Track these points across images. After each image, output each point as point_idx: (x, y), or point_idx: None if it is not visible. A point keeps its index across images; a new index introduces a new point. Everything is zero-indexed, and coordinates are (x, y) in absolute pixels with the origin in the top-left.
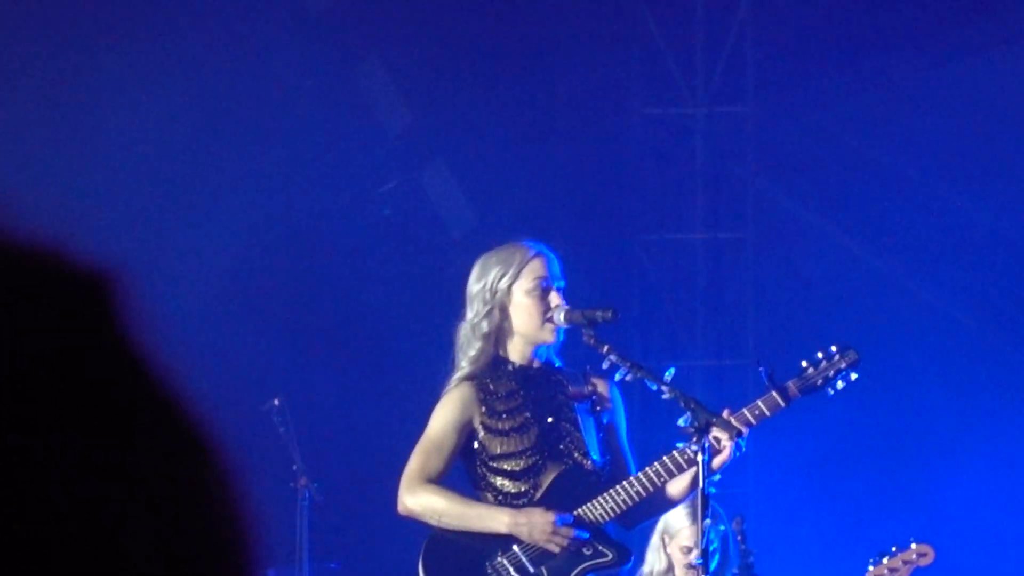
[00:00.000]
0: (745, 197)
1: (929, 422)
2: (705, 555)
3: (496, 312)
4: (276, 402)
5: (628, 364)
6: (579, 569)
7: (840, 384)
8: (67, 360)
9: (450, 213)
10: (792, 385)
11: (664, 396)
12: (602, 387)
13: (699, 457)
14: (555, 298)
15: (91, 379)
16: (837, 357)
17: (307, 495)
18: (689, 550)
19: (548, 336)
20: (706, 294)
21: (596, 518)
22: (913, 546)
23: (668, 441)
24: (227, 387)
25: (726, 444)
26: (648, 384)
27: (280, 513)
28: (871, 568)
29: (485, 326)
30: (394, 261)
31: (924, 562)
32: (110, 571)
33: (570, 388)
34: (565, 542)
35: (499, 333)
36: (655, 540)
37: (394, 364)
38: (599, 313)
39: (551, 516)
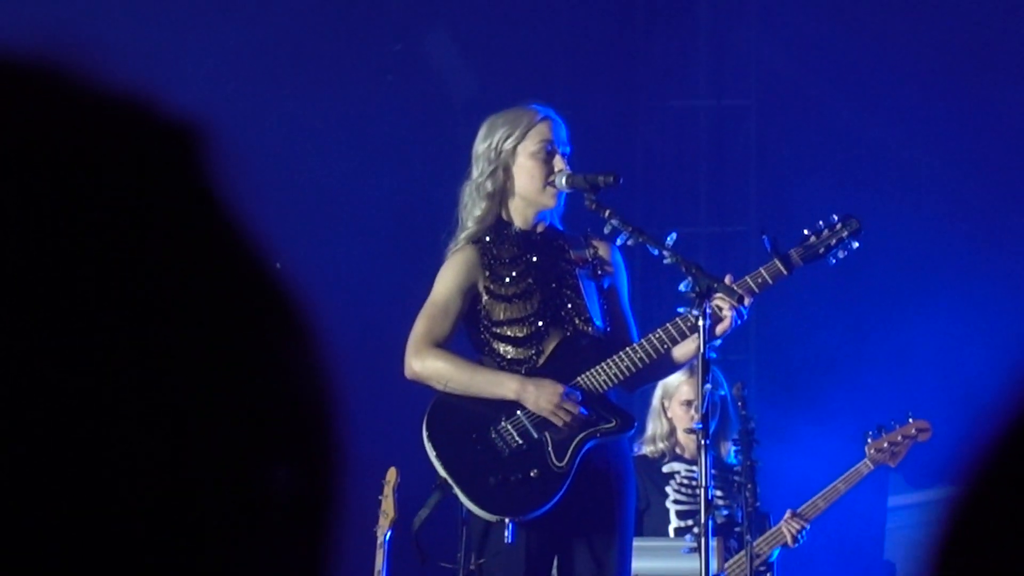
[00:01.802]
0: (749, 64)
1: (936, 287)
2: (705, 419)
3: (500, 172)
4: (277, 267)
5: (630, 229)
6: (582, 435)
7: (842, 253)
8: (155, 214)
9: (453, 78)
10: (794, 253)
11: (666, 261)
12: (604, 250)
13: (700, 322)
14: (559, 162)
15: (177, 236)
16: (840, 226)
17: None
18: (689, 404)
19: (549, 200)
20: (709, 161)
21: (599, 385)
22: (911, 421)
23: (670, 308)
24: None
25: (727, 312)
26: (650, 249)
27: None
28: (870, 441)
29: (489, 186)
30: (396, 126)
31: (923, 438)
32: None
33: (572, 253)
34: (569, 417)
35: (502, 195)
36: (655, 405)
37: (396, 228)
38: (601, 178)
39: (559, 387)
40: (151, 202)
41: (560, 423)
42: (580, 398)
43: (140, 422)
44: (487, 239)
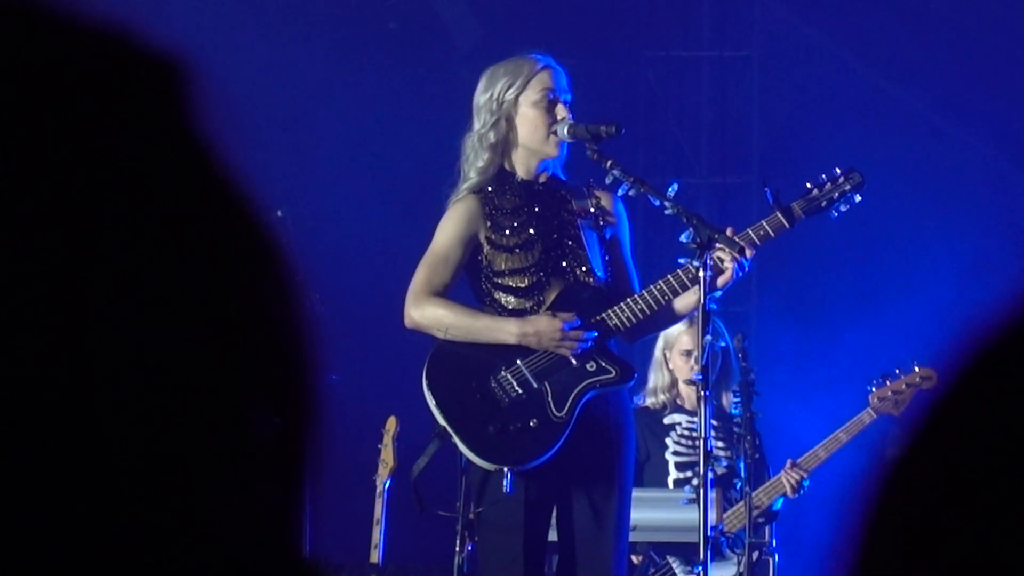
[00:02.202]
0: (752, 14)
1: (939, 235)
2: (705, 371)
3: (503, 123)
4: (279, 213)
5: (631, 179)
6: (583, 385)
7: (844, 207)
8: (136, 151)
9: (456, 26)
10: (796, 206)
11: (667, 212)
12: (606, 200)
13: (701, 273)
14: (561, 111)
15: (159, 175)
16: (842, 179)
17: (308, 306)
18: (688, 354)
19: (552, 149)
20: (711, 111)
21: (600, 334)
22: (917, 369)
23: (671, 259)
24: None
25: (728, 264)
26: (651, 199)
27: None
28: (873, 390)
29: (492, 136)
30: (399, 74)
31: (927, 385)
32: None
33: (574, 203)
34: (575, 345)
35: (505, 145)
36: (657, 356)
37: (398, 176)
38: (603, 128)
39: (557, 322)
40: (128, 138)
41: (568, 353)
42: (580, 324)
43: (115, 364)
44: (489, 189)
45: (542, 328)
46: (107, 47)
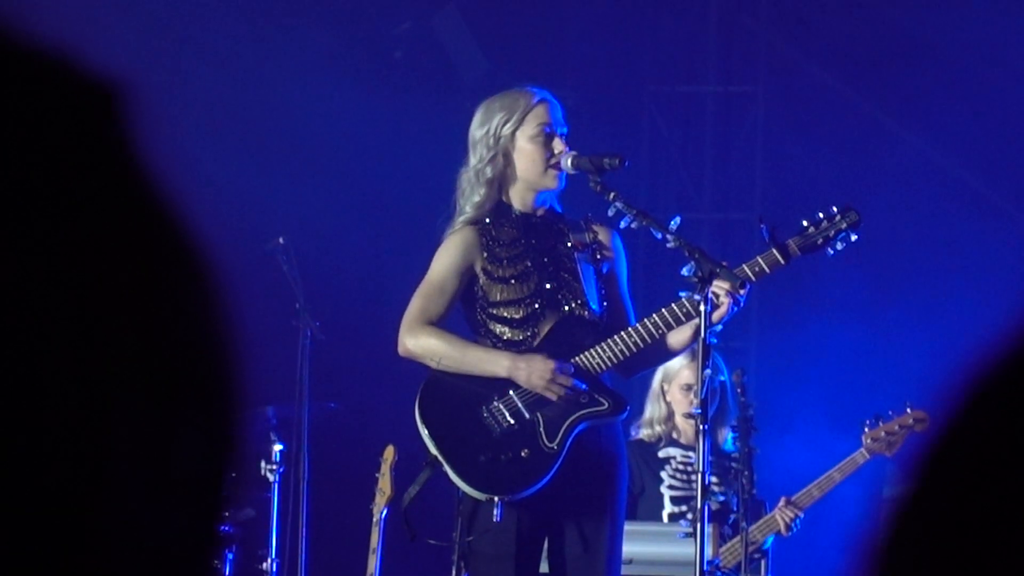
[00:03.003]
0: (757, 51)
1: (937, 276)
2: (704, 405)
3: (499, 158)
4: (280, 241)
5: (634, 212)
6: (574, 417)
7: (840, 245)
8: (70, 172)
9: (461, 57)
10: (792, 243)
11: (669, 245)
12: (603, 235)
13: (702, 307)
14: (558, 144)
15: (93, 196)
16: (838, 217)
17: (308, 334)
18: (689, 388)
19: (551, 182)
20: (714, 147)
21: (593, 367)
22: (909, 411)
23: (671, 293)
24: (231, 225)
25: (724, 299)
26: (653, 232)
27: (281, 351)
28: (867, 431)
29: (489, 172)
30: (403, 104)
31: (920, 428)
32: (98, 394)
33: (571, 237)
34: (562, 391)
35: (502, 180)
36: (655, 387)
37: (398, 206)
38: (606, 160)
39: (551, 363)
40: (62, 155)
41: (554, 397)
42: (572, 371)
43: (43, 380)
44: (487, 221)
45: (534, 366)
46: (44, 70)
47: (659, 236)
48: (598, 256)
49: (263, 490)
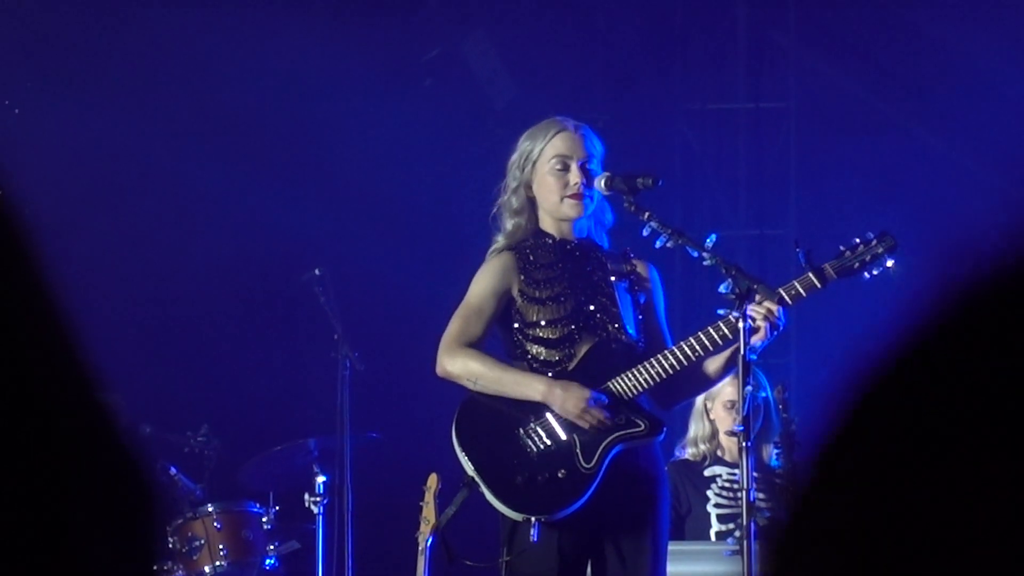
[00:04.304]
0: (787, 65)
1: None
2: (746, 422)
3: (522, 189)
4: (317, 272)
5: (669, 231)
6: (611, 438)
7: (877, 270)
8: None
9: (491, 84)
10: (829, 267)
11: (705, 263)
12: (642, 268)
13: (740, 324)
14: (573, 175)
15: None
16: (875, 242)
17: (347, 364)
18: (732, 405)
19: (570, 211)
20: (748, 164)
21: (629, 389)
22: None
23: (709, 313)
24: (269, 257)
25: (760, 323)
26: (689, 251)
27: (321, 383)
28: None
29: (514, 202)
30: (434, 131)
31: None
32: None
33: (609, 265)
34: (595, 421)
35: (532, 209)
36: (698, 406)
37: (435, 233)
38: (640, 180)
39: (586, 392)
40: None
41: (587, 426)
42: (606, 402)
43: None
44: (525, 245)
45: (569, 394)
46: None
47: (695, 254)
48: (636, 287)
49: (308, 522)
